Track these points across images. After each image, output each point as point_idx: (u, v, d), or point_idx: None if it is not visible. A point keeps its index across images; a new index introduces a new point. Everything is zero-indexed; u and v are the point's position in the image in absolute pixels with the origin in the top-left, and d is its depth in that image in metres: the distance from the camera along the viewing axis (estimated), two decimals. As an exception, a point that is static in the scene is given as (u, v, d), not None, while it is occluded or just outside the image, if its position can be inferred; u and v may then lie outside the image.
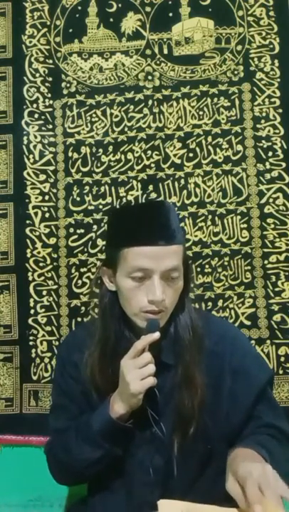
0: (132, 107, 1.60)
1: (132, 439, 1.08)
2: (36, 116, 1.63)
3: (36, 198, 1.60)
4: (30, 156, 1.62)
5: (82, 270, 1.56)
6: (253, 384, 1.09)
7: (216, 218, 1.54)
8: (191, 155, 1.57)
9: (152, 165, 1.57)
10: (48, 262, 1.58)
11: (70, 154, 1.61)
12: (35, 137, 1.62)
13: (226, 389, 1.08)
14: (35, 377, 1.54)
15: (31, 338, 1.56)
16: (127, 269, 1.03)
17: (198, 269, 1.52)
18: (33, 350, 1.55)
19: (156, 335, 1.00)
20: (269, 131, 1.55)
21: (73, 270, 1.57)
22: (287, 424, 1.10)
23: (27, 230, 1.59)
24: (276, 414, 1.11)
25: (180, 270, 1.05)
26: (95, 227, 1.57)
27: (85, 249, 1.56)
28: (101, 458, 1.06)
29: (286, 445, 1.07)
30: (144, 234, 1.03)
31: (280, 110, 1.55)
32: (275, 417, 1.09)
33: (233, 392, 1.08)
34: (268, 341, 1.49)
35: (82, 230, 1.58)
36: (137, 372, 0.99)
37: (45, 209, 1.60)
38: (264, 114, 1.56)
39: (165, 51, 1.61)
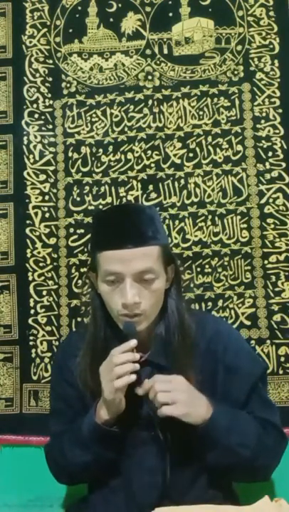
0: (132, 107, 1.60)
1: (130, 440, 1.09)
2: (36, 116, 1.63)
3: (36, 198, 1.60)
4: (30, 156, 1.62)
5: (82, 270, 1.56)
6: (244, 381, 1.10)
7: (216, 218, 1.54)
8: (191, 155, 1.57)
9: (152, 165, 1.57)
10: (48, 262, 1.58)
11: (70, 154, 1.60)
12: (35, 137, 1.62)
13: (220, 386, 1.09)
14: (35, 377, 1.54)
15: (31, 338, 1.55)
16: (102, 274, 1.06)
17: (198, 269, 1.52)
18: (33, 350, 1.55)
19: (133, 343, 1.01)
20: (269, 131, 1.55)
21: (73, 270, 1.57)
22: (278, 418, 1.12)
23: (27, 230, 1.59)
24: (267, 408, 1.12)
25: (155, 272, 1.04)
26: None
27: (85, 249, 1.56)
28: (93, 461, 1.07)
29: (272, 435, 1.08)
30: (112, 238, 1.04)
31: (280, 110, 1.55)
32: (266, 412, 1.10)
33: (225, 389, 1.09)
34: (268, 341, 1.48)
35: (82, 230, 1.57)
36: (108, 378, 1.01)
37: (45, 209, 1.60)
38: (264, 114, 1.56)
39: (165, 51, 1.61)
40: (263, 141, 1.55)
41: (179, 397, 1.00)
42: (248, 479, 1.13)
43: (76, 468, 1.11)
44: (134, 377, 1.01)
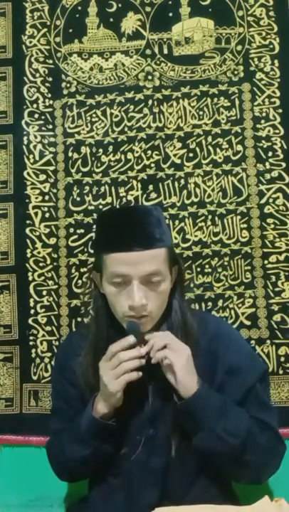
0: (132, 107, 1.60)
1: (130, 439, 1.09)
2: (36, 116, 1.63)
3: (36, 198, 1.60)
4: (30, 156, 1.62)
5: (82, 270, 1.56)
6: (242, 382, 1.11)
7: (216, 218, 1.54)
8: (191, 155, 1.57)
9: (152, 165, 1.57)
10: (48, 262, 1.58)
11: (70, 154, 1.60)
12: (35, 137, 1.62)
13: (219, 386, 1.09)
14: (35, 377, 1.54)
15: (31, 338, 1.55)
16: (108, 276, 1.05)
17: (198, 269, 1.52)
18: (33, 350, 1.55)
19: (132, 339, 1.02)
20: (269, 131, 1.55)
21: (73, 270, 1.57)
22: (275, 421, 1.11)
23: (27, 230, 1.59)
24: (265, 410, 1.11)
25: (162, 274, 1.05)
26: (95, 227, 1.57)
27: (85, 249, 1.56)
28: (91, 456, 1.08)
29: (266, 434, 1.07)
30: (120, 240, 1.04)
31: (280, 110, 1.55)
32: (263, 413, 1.10)
33: (223, 389, 1.10)
34: (268, 341, 1.48)
35: (82, 230, 1.58)
36: (112, 373, 1.01)
37: (45, 209, 1.60)
38: (264, 114, 1.56)
39: (165, 51, 1.61)
40: (263, 141, 1.55)
41: (183, 351, 1.03)
42: (241, 476, 1.11)
43: (75, 464, 1.12)
44: (140, 373, 1.02)
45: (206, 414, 1.03)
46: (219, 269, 1.52)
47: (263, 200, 1.53)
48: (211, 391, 1.06)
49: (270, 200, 1.53)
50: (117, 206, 1.56)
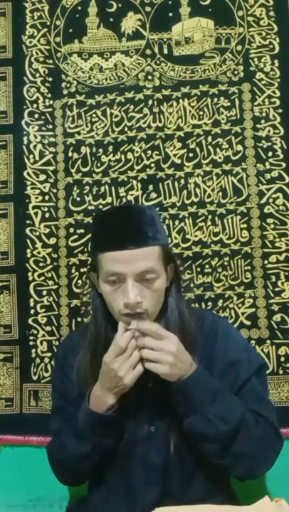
0: (132, 107, 1.60)
1: (130, 437, 1.09)
2: (36, 116, 1.63)
3: (36, 198, 1.60)
4: (30, 156, 1.62)
5: (82, 270, 1.56)
6: (238, 375, 1.11)
7: (216, 218, 1.54)
8: (191, 155, 1.57)
9: (152, 165, 1.57)
10: (48, 262, 1.58)
11: (70, 154, 1.61)
12: (35, 137, 1.62)
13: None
14: (35, 377, 1.54)
15: (31, 338, 1.56)
16: (103, 275, 1.07)
17: (198, 269, 1.52)
18: (33, 350, 1.55)
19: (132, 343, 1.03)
20: (269, 131, 1.55)
21: (73, 270, 1.57)
22: (273, 415, 1.10)
23: (27, 230, 1.59)
24: (262, 403, 1.11)
25: (156, 271, 1.06)
26: (93, 227, 1.57)
27: (85, 249, 1.56)
28: (91, 451, 1.08)
29: (262, 427, 1.07)
30: (113, 239, 1.05)
31: (280, 110, 1.55)
32: (260, 407, 1.09)
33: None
34: (268, 341, 1.48)
35: (82, 230, 1.58)
36: (126, 364, 1.02)
37: (45, 209, 1.60)
38: (264, 114, 1.56)
39: (165, 51, 1.61)
40: (263, 141, 1.55)
41: (164, 358, 1.02)
42: (232, 467, 1.08)
43: (75, 462, 1.11)
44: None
45: (201, 395, 1.03)
46: (219, 269, 1.52)
47: (263, 200, 1.53)
48: (208, 375, 1.07)
49: (270, 200, 1.53)
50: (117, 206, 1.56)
